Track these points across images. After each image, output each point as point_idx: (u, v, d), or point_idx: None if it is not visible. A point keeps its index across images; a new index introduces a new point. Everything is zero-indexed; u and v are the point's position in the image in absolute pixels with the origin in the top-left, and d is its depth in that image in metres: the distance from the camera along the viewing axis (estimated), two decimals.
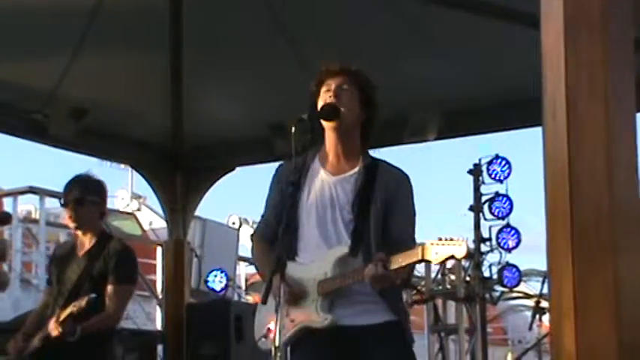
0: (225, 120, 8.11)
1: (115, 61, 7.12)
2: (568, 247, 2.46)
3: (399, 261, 3.45)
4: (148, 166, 8.69)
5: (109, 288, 5.16)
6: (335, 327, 3.61)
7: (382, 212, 3.66)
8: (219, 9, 6.59)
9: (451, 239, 3.35)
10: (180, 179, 8.58)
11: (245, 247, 15.58)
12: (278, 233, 3.60)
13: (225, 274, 9.24)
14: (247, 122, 8.03)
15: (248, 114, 8.00)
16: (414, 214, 3.75)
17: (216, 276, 9.19)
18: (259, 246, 3.88)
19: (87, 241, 5.31)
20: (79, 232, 5.34)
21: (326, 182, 3.75)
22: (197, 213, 9.25)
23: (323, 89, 3.77)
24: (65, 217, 5.38)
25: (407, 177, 3.79)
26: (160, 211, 9.50)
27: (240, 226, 15.00)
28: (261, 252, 3.86)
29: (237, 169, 8.75)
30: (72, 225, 5.33)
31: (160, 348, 8.41)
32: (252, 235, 4.00)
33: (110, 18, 6.46)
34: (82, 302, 4.95)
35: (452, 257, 3.35)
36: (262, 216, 3.90)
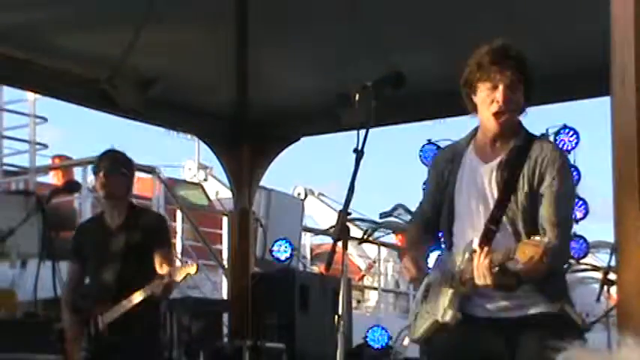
0: (291, 90, 8.12)
1: (181, 32, 7.16)
2: (636, 212, 2.43)
3: (499, 258, 3.35)
4: (214, 137, 8.75)
5: (161, 254, 5.32)
6: (462, 321, 3.52)
7: (529, 196, 3.47)
8: None
9: (536, 238, 3.25)
10: (246, 150, 8.63)
11: (311, 218, 15.67)
12: (431, 221, 3.67)
13: (290, 244, 9.28)
14: (313, 92, 8.02)
15: (314, 84, 7.99)
16: (567, 194, 3.51)
17: (280, 245, 9.24)
18: (411, 230, 3.89)
19: (117, 214, 5.41)
20: (108, 204, 5.44)
21: (477, 171, 3.60)
22: (263, 183, 9.30)
23: (486, 84, 3.54)
24: (97, 186, 5.48)
25: (560, 153, 3.59)
26: (227, 182, 9.57)
27: (305, 197, 15.05)
28: (409, 236, 3.87)
29: (303, 139, 8.77)
30: (102, 194, 5.45)
31: (225, 316, 8.49)
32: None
33: None
34: (158, 290, 5.09)
35: (532, 258, 3.21)
36: (420, 202, 3.85)
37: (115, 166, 5.39)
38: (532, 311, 3.47)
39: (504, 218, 3.49)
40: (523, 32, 6.81)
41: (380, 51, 6.76)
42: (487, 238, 3.46)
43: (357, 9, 6.60)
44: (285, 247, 9.21)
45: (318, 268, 12.66)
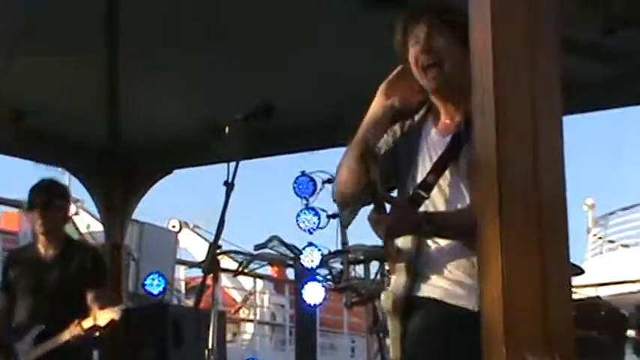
0: (163, 122, 8.06)
1: (52, 62, 7.03)
2: (497, 228, 2.49)
3: None
4: (84, 170, 8.61)
5: (96, 291, 5.21)
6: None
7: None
8: (157, 7, 6.53)
9: None
10: (118, 183, 8.52)
11: (185, 251, 15.53)
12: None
13: (164, 278, 9.16)
14: (184, 124, 8.00)
15: (185, 116, 7.97)
16: None
17: (153, 279, 9.09)
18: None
19: (52, 247, 5.25)
20: (42, 237, 5.28)
21: (432, 146, 3.07)
22: (139, 217, 9.20)
23: (411, 41, 3.05)
24: (34, 221, 5.30)
25: None
26: (98, 215, 9.42)
27: (180, 230, 14.94)
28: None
29: (176, 171, 8.73)
30: (40, 230, 5.27)
31: (95, 354, 8.30)
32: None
33: (47, 17, 6.38)
34: (81, 332, 5.01)
35: None
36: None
37: (52, 200, 5.22)
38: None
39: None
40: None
41: (251, 82, 6.79)
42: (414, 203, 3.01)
43: (231, 40, 6.61)
44: (159, 281, 9.07)
45: (192, 302, 12.55)
